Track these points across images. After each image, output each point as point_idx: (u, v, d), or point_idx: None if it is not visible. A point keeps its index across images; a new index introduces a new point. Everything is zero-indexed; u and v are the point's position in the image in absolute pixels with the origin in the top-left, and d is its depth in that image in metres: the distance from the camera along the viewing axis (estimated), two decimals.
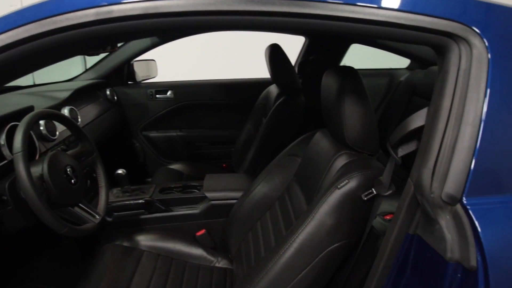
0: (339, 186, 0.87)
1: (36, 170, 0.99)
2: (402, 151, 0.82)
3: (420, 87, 1.86)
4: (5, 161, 1.15)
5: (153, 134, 2.49)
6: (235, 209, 1.37)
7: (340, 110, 0.95)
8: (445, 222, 0.63)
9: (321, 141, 1.13)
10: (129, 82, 2.44)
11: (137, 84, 2.45)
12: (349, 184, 0.86)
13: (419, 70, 2.08)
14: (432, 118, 0.68)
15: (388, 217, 1.14)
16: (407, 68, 2.43)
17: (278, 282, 0.87)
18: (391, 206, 1.06)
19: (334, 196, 0.86)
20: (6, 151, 1.17)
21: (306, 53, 2.38)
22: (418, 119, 0.75)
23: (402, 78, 2.11)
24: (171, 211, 1.53)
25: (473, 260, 0.59)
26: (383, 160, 1.01)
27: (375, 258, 0.83)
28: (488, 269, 0.58)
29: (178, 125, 2.48)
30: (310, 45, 2.36)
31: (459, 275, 0.62)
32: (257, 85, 2.25)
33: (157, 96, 2.41)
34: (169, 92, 2.42)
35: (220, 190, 1.55)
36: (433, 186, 0.64)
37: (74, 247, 1.72)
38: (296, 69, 2.38)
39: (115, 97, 2.31)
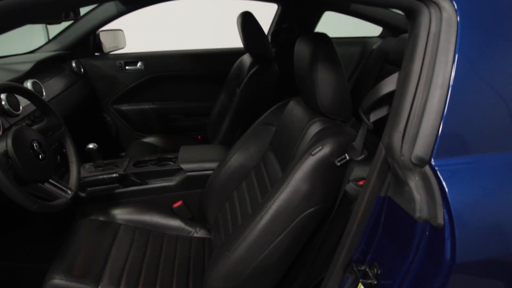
0: (313, 153, 0.88)
1: None
2: (374, 116, 0.83)
3: (392, 54, 1.88)
4: None
5: (125, 107, 2.41)
6: (211, 180, 1.37)
7: (313, 77, 0.94)
8: (414, 183, 0.66)
9: (294, 109, 1.13)
10: (96, 54, 2.33)
11: (105, 55, 2.34)
12: (323, 151, 0.88)
13: (391, 38, 2.10)
14: (403, 82, 0.68)
15: (361, 183, 1.18)
16: (379, 36, 2.44)
17: (256, 247, 0.89)
18: (363, 172, 1.09)
19: (308, 163, 0.87)
20: None
21: (278, 21, 2.33)
22: (389, 84, 0.76)
23: (375, 46, 2.12)
24: (147, 184, 1.51)
25: (440, 218, 0.62)
26: (356, 128, 1.03)
27: (348, 221, 0.86)
28: (454, 227, 0.61)
29: (151, 98, 2.42)
30: (283, 13, 2.31)
31: (427, 233, 0.65)
32: (230, 55, 2.21)
33: (126, 67, 2.33)
34: (139, 64, 2.33)
35: (195, 162, 1.54)
36: (403, 149, 0.66)
37: (49, 224, 1.69)
38: (269, 38, 2.34)
39: (82, 70, 2.21)
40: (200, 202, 1.52)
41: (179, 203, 1.53)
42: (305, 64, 0.97)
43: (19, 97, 1.39)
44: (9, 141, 0.95)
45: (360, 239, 0.81)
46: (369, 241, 0.80)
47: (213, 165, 1.46)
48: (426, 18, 0.64)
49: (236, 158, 1.31)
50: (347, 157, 0.87)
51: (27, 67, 1.68)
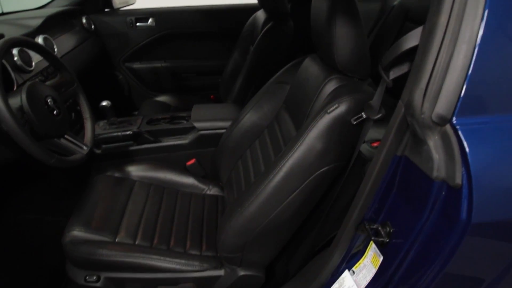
0: (328, 111, 0.86)
1: (14, 101, 0.95)
2: (394, 74, 0.80)
3: (414, 11, 1.79)
4: None
5: (137, 65, 2.39)
6: (224, 138, 1.37)
7: (330, 32, 0.90)
8: (433, 142, 0.64)
9: (310, 66, 1.10)
10: (106, 9, 2.27)
11: (115, 11, 2.28)
12: (339, 109, 0.85)
13: None
14: (427, 36, 0.65)
15: (374, 144, 1.16)
16: None
17: (268, 205, 0.90)
18: (378, 134, 1.07)
19: (324, 121, 0.86)
20: None
21: None
22: (412, 39, 0.72)
23: (396, 2, 2.01)
24: (160, 141, 1.52)
25: (459, 178, 0.60)
26: (373, 89, 0.99)
27: (361, 180, 0.85)
28: (472, 187, 0.60)
29: (163, 56, 2.38)
30: None
31: (443, 193, 0.64)
32: (243, 11, 2.13)
33: (137, 24, 2.27)
34: (150, 20, 2.27)
35: (208, 120, 1.54)
36: (424, 106, 0.64)
37: (66, 179, 1.73)
38: None
39: (92, 26, 2.17)
40: (213, 160, 1.53)
41: (192, 161, 1.54)
42: (322, 19, 0.92)
43: (31, 53, 1.38)
44: (24, 96, 0.95)
45: (373, 198, 0.81)
46: (382, 200, 0.79)
47: (226, 123, 1.45)
48: None
49: (250, 117, 1.30)
50: (364, 115, 0.85)
51: (37, 22, 1.66)
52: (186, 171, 1.50)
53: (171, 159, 1.52)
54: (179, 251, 1.14)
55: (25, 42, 1.08)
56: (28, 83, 1.01)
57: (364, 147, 1.09)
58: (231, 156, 1.35)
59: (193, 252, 1.15)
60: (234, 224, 0.94)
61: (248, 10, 2.03)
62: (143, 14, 2.27)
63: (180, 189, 1.40)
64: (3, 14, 1.96)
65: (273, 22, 1.67)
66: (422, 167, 0.67)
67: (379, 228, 0.77)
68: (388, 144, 0.74)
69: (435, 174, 0.63)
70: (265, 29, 1.66)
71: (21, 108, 0.95)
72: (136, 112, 2.27)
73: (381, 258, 0.78)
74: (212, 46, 2.37)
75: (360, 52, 0.92)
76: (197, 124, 1.52)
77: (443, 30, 0.62)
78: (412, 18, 1.78)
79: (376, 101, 0.84)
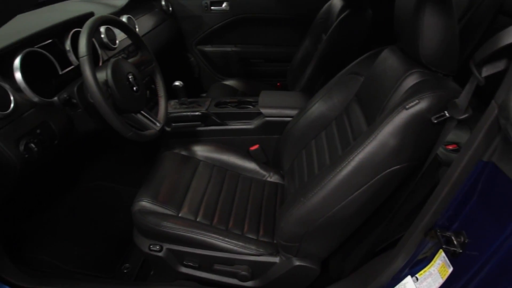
0: (407, 106, 0.80)
1: (100, 75, 1.02)
2: (487, 71, 0.72)
3: (510, 4, 1.60)
4: (72, 66, 1.20)
5: (208, 48, 2.45)
6: (290, 127, 1.36)
7: (417, 21, 0.84)
8: None
9: (389, 58, 1.04)
10: None
11: None
12: (419, 105, 0.80)
13: None
14: None
15: (449, 147, 1.08)
16: None
17: (333, 197, 0.88)
18: (455, 136, 0.99)
19: (401, 116, 0.81)
20: (72, 57, 1.21)
21: None
22: (511, 35, 0.65)
23: None
24: (226, 124, 1.55)
25: None
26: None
27: (434, 184, 0.79)
28: None
29: (233, 40, 2.41)
30: None
31: None
32: None
33: (212, 8, 2.32)
34: (224, 4, 2.31)
35: (275, 107, 1.53)
36: None
37: (137, 153, 1.85)
38: None
39: (170, 8, 2.26)
40: (276, 147, 1.53)
41: (255, 146, 1.56)
42: (409, 7, 0.86)
43: (116, 32, 1.48)
44: (109, 71, 1.02)
45: (449, 204, 0.76)
46: (459, 207, 0.74)
47: (293, 112, 1.44)
48: None
49: (318, 107, 1.27)
50: (447, 114, 0.79)
51: (122, 2, 1.76)
52: (249, 155, 1.52)
53: (235, 143, 1.55)
54: (237, 233, 1.16)
55: (114, 21, 1.15)
56: (113, 60, 1.08)
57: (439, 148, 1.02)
58: (295, 145, 1.34)
59: (250, 236, 1.17)
60: (296, 213, 0.93)
61: None
62: None
63: (241, 173, 1.42)
64: None
65: (350, 9, 1.61)
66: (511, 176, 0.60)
67: (452, 236, 0.72)
68: (474, 147, 0.68)
69: None
70: (341, 17, 1.60)
71: (106, 82, 1.02)
72: (204, 94, 2.34)
73: (451, 269, 0.73)
74: (283, 32, 2.35)
75: (449, 46, 0.84)
76: (264, 110, 1.52)
77: None
78: (508, 11, 1.60)
79: (463, 99, 0.78)
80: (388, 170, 0.84)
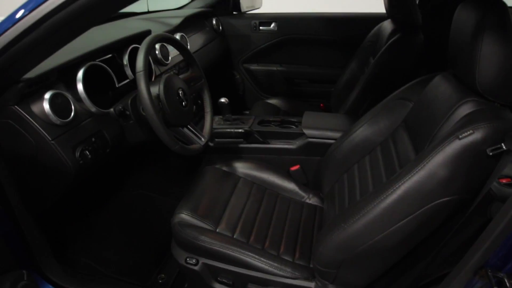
0: (460, 136, 0.77)
1: (153, 90, 1.07)
2: None
3: None
4: (128, 80, 1.27)
5: (254, 67, 2.50)
6: (332, 149, 1.34)
7: (474, 49, 0.81)
8: None
9: (441, 85, 1.00)
10: (234, 13, 2.43)
11: (242, 14, 2.43)
12: (474, 135, 0.76)
13: None
14: None
15: (503, 181, 1.01)
16: None
17: (376, 225, 0.85)
18: (509, 169, 0.93)
19: (453, 146, 0.77)
20: (128, 71, 1.29)
21: None
22: None
23: None
24: (268, 143, 1.56)
25: None
26: None
27: (486, 222, 0.74)
28: None
29: (279, 60, 2.44)
30: None
31: None
32: (367, 20, 2.07)
33: (260, 28, 2.38)
34: (272, 25, 2.36)
35: (318, 128, 1.52)
36: None
37: (180, 166, 1.90)
38: (417, 1, 2.10)
39: (220, 27, 2.34)
40: (317, 169, 1.51)
41: (296, 167, 1.55)
42: (466, 33, 0.83)
43: (170, 48, 1.55)
44: (161, 86, 1.07)
45: (503, 242, 0.71)
46: None
47: (336, 134, 1.42)
48: None
49: (363, 131, 1.25)
50: (504, 147, 0.74)
51: (177, 21, 1.85)
52: (289, 176, 1.51)
53: (276, 162, 1.55)
54: (273, 253, 1.15)
55: (169, 39, 1.21)
56: (165, 75, 1.13)
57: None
58: (337, 169, 1.32)
59: (286, 257, 1.15)
60: (336, 238, 0.91)
61: (373, 19, 1.96)
62: (267, 19, 2.36)
63: (280, 193, 1.41)
64: (149, 12, 2.25)
65: (400, 33, 1.58)
66: None
67: (505, 278, 0.67)
68: None
69: None
70: (391, 40, 1.58)
71: (158, 96, 1.07)
72: (248, 111, 2.37)
73: None
74: (329, 54, 2.35)
75: (508, 75, 0.81)
76: (306, 131, 1.52)
77: None
78: None
79: None
80: (436, 202, 0.80)
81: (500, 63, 0.80)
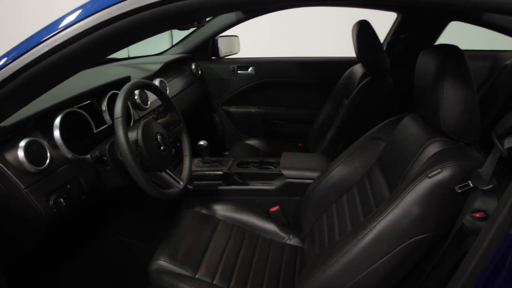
0: (429, 175, 0.80)
1: (131, 135, 1.08)
2: (509, 142, 0.73)
3: None
4: (106, 126, 1.27)
5: (233, 109, 2.55)
6: (310, 189, 1.36)
7: (437, 92, 0.86)
8: None
9: (410, 125, 1.05)
10: (213, 58, 2.51)
11: (220, 59, 2.51)
12: (442, 174, 0.80)
13: None
14: None
15: (477, 215, 1.04)
16: None
17: (354, 266, 0.85)
18: (481, 203, 0.96)
19: (423, 185, 0.80)
20: (106, 117, 1.30)
21: (396, 30, 2.21)
22: None
23: (508, 62, 1.86)
24: (247, 184, 1.57)
25: None
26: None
27: (462, 256, 0.76)
28: None
29: (257, 102, 2.51)
30: (403, 22, 2.18)
31: None
32: (340, 64, 2.17)
33: (238, 72, 2.46)
34: (250, 68, 2.44)
35: (296, 169, 1.54)
36: None
37: (159, 209, 1.87)
38: (384, 47, 2.23)
39: (199, 72, 2.41)
40: (297, 209, 1.52)
41: (276, 207, 1.55)
42: (429, 78, 0.89)
43: (148, 93, 1.58)
44: (139, 132, 1.08)
45: (477, 278, 0.72)
46: (489, 282, 0.70)
47: (314, 174, 1.44)
48: None
49: (339, 170, 1.27)
50: (471, 184, 0.78)
51: (156, 67, 1.90)
52: (269, 217, 1.51)
53: (255, 203, 1.55)
54: None
55: (147, 85, 1.24)
56: (144, 120, 1.14)
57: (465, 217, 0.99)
58: (316, 208, 1.33)
59: None
60: (316, 280, 0.90)
61: (345, 63, 2.06)
62: (245, 63, 2.45)
63: (261, 235, 1.40)
64: (129, 58, 2.30)
65: (371, 76, 1.67)
66: None
67: None
68: (500, 220, 0.66)
69: None
70: (362, 83, 1.66)
71: (136, 142, 1.07)
72: (227, 153, 2.39)
73: None
74: (305, 95, 2.43)
75: (469, 116, 0.86)
76: (285, 172, 1.54)
77: None
78: None
79: (486, 170, 0.77)
80: (411, 240, 0.82)
81: (461, 105, 0.85)
